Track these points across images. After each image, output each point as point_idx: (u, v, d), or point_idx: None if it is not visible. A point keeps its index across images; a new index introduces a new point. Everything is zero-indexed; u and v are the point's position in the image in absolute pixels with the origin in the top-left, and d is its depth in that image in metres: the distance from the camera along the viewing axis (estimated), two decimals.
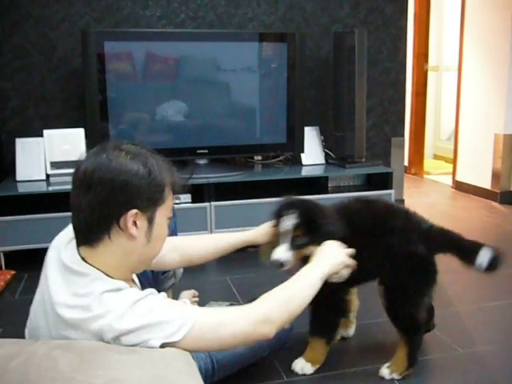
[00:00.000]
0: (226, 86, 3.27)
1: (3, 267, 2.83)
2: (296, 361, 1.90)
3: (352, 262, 1.61)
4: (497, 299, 2.50)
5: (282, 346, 1.90)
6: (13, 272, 2.78)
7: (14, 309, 2.41)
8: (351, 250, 1.62)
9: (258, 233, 1.85)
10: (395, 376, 1.82)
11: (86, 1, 3.20)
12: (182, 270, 2.09)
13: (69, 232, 1.35)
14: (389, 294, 1.82)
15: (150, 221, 1.27)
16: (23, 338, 1.31)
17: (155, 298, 1.27)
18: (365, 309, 2.14)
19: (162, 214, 1.30)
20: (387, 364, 1.85)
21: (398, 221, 1.80)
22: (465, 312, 2.36)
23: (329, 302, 1.79)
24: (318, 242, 1.65)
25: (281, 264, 1.66)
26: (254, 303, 1.37)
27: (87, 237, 1.27)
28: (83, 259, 1.27)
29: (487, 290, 2.61)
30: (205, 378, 1.62)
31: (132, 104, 3.12)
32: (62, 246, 1.34)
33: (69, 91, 3.26)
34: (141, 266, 1.38)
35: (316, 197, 3.17)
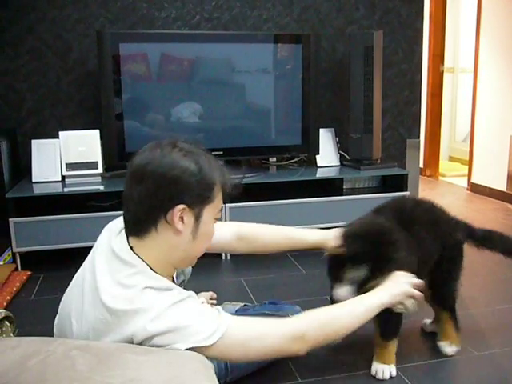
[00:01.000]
0: (241, 88, 3.27)
1: (19, 268, 2.85)
2: (379, 368, 1.83)
3: (418, 293, 1.57)
4: (511, 302, 2.47)
5: None
6: (28, 273, 2.79)
7: (29, 309, 2.42)
8: (419, 281, 1.59)
9: (332, 243, 1.76)
10: (457, 348, 1.96)
11: (102, 2, 3.21)
12: (190, 268, 2.08)
13: (121, 220, 1.39)
14: (436, 282, 1.92)
15: (197, 218, 1.30)
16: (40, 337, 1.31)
17: (192, 302, 1.28)
18: None
19: (210, 213, 1.33)
20: (446, 342, 1.96)
21: (439, 212, 1.95)
22: (479, 315, 2.33)
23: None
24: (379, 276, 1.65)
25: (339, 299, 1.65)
26: (293, 318, 1.37)
27: (135, 228, 1.30)
28: (131, 248, 1.30)
29: (501, 293, 2.58)
30: (218, 379, 1.62)
31: (147, 105, 3.13)
32: (115, 232, 1.38)
33: (84, 92, 3.28)
34: (184, 263, 1.42)
35: (331, 198, 3.17)
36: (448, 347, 1.96)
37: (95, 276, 1.27)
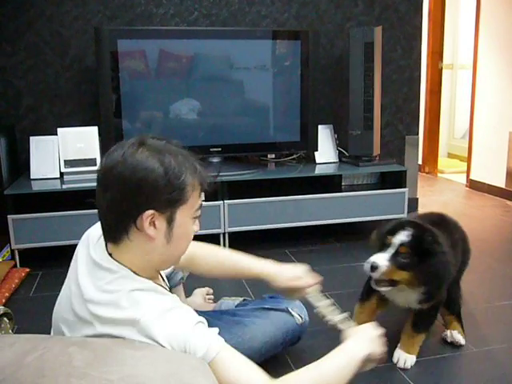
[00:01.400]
0: (240, 84, 3.26)
1: (18, 265, 2.84)
2: (401, 356, 1.87)
3: (382, 357, 1.49)
4: (510, 298, 2.47)
5: (295, 343, 1.89)
6: (27, 270, 2.79)
7: (28, 306, 2.42)
8: (384, 344, 1.51)
9: (283, 277, 1.72)
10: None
11: None
12: None
13: (99, 227, 1.34)
14: (449, 289, 1.94)
15: (170, 221, 1.24)
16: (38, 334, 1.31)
17: (186, 315, 1.24)
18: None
19: (185, 214, 1.26)
20: (455, 332, 2.01)
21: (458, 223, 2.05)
22: (478, 311, 2.34)
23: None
24: (416, 274, 1.70)
25: (374, 268, 1.69)
26: (281, 380, 1.25)
27: (109, 235, 1.27)
28: (111, 255, 1.27)
29: (500, 289, 2.59)
30: None
31: (145, 102, 3.12)
32: (92, 241, 1.34)
33: (82, 89, 3.27)
34: (165, 265, 1.37)
35: (329, 195, 3.17)
36: (459, 335, 2.00)
37: (80, 289, 1.25)
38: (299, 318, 1.83)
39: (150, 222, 1.21)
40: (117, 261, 1.26)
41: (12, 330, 1.88)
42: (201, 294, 2.26)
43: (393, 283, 1.74)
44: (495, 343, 2.05)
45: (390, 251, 1.70)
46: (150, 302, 1.21)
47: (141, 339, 1.17)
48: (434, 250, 1.70)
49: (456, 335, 2.00)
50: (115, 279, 1.23)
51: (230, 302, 2.09)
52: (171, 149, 1.25)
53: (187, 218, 1.28)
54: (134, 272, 1.25)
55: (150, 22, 3.29)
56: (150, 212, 1.20)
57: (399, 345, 1.89)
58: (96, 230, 1.36)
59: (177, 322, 1.21)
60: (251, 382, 1.22)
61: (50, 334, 1.37)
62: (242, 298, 2.11)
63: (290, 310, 1.83)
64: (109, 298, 1.20)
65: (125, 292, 1.20)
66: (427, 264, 1.69)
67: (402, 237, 1.70)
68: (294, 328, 1.83)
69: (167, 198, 1.21)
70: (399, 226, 1.74)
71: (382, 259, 1.69)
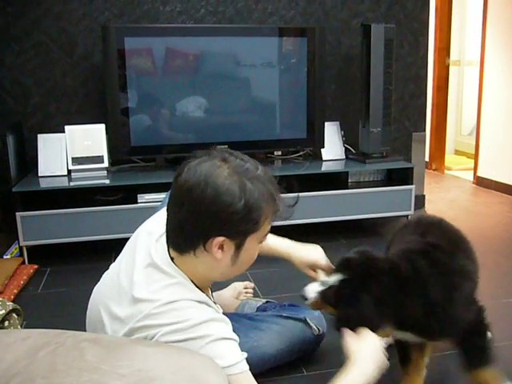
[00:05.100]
0: (246, 82, 3.27)
1: (26, 261, 2.86)
2: None
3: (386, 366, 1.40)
4: None
5: (311, 352, 1.89)
6: (35, 266, 2.81)
7: (36, 302, 2.43)
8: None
9: (301, 263, 1.76)
10: None
11: None
12: None
13: (161, 223, 1.33)
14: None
15: (238, 247, 1.25)
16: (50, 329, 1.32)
17: (224, 329, 1.26)
18: None
19: (253, 241, 1.27)
20: None
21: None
22: (485, 307, 2.33)
23: None
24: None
25: (304, 298, 1.59)
26: None
27: (174, 245, 1.27)
28: (172, 259, 1.27)
29: (507, 286, 2.58)
30: None
31: (152, 99, 3.13)
32: (155, 238, 1.33)
33: (89, 87, 3.28)
34: (223, 280, 1.38)
35: (336, 192, 3.17)
36: None
37: (133, 286, 1.26)
38: (316, 329, 1.83)
39: (219, 246, 1.22)
40: (178, 267, 1.27)
41: (21, 326, 1.90)
42: (234, 289, 2.18)
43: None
44: (502, 340, 2.03)
45: (325, 284, 1.58)
46: (196, 312, 1.22)
47: (175, 340, 1.19)
48: (352, 300, 1.51)
49: None
50: (170, 285, 1.24)
51: (253, 303, 2.06)
52: (252, 173, 1.24)
53: (255, 243, 1.29)
54: (192, 281, 1.27)
55: (156, 19, 3.29)
56: (221, 239, 1.21)
57: None
58: (157, 227, 1.36)
59: (213, 329, 1.22)
60: None
61: (58, 328, 1.38)
62: (264, 300, 2.08)
63: (309, 320, 1.82)
64: (158, 302, 1.22)
65: (174, 299, 1.22)
66: (345, 308, 1.51)
67: (337, 276, 1.56)
68: (310, 338, 1.83)
69: (241, 229, 1.22)
70: (347, 261, 1.62)
71: (311, 291, 1.58)
